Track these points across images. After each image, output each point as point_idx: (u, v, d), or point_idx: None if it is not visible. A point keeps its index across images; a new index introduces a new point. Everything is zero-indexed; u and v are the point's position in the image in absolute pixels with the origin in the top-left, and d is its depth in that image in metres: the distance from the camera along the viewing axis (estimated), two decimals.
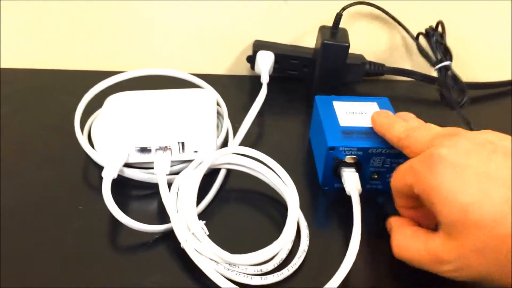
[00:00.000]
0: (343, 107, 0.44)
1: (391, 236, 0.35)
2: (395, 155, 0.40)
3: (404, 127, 0.36)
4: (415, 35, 0.55)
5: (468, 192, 0.28)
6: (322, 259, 0.36)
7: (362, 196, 0.38)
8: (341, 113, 0.43)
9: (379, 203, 0.41)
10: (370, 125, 0.41)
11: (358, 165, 0.40)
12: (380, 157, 0.40)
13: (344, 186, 0.39)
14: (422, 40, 0.55)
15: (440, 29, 0.54)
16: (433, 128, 0.34)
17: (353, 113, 0.43)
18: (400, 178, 0.34)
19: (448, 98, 0.52)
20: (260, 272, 0.33)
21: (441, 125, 0.35)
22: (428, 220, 0.35)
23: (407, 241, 0.33)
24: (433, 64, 0.53)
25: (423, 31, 0.55)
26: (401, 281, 0.35)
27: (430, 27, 0.54)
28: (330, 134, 0.40)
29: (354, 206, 0.37)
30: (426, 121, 0.38)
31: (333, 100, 0.45)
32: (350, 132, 0.40)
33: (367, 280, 0.35)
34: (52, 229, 0.37)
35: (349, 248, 0.34)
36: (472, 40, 0.58)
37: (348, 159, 0.40)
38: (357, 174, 0.39)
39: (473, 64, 0.59)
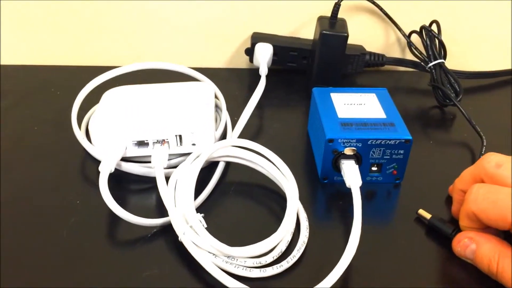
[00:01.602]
0: (341, 98, 0.43)
1: (477, 250, 0.33)
2: (395, 146, 0.39)
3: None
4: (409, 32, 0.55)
5: None
6: (322, 251, 0.35)
7: (361, 189, 0.38)
8: (339, 104, 0.42)
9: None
10: (369, 116, 0.41)
11: (357, 157, 0.39)
12: (380, 148, 0.39)
13: (344, 179, 0.39)
14: (416, 38, 0.54)
15: (434, 27, 0.53)
16: None
17: (352, 105, 0.42)
18: (500, 213, 0.31)
19: (443, 94, 0.51)
20: (259, 265, 0.33)
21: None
22: None
23: None
24: (425, 62, 0.53)
25: (417, 29, 0.54)
26: (403, 275, 0.34)
27: (424, 25, 0.54)
28: (328, 126, 0.40)
29: (354, 199, 0.36)
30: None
31: (331, 92, 0.44)
32: (348, 123, 0.40)
33: (367, 273, 0.34)
34: (49, 223, 0.37)
35: (349, 241, 0.33)
36: (464, 36, 0.58)
37: (348, 151, 0.39)
38: (357, 166, 0.39)
39: (467, 57, 0.59)
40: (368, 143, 0.39)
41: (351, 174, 0.38)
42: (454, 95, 0.50)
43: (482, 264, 0.33)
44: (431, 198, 0.40)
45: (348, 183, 0.38)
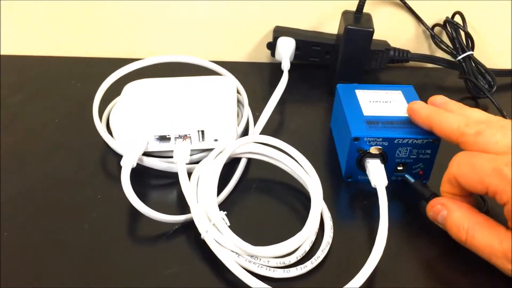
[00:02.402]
0: (367, 95, 0.42)
1: (448, 217, 0.34)
2: (423, 146, 0.38)
3: (466, 120, 0.34)
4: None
5: None
6: (346, 252, 0.35)
7: (387, 188, 0.37)
8: (364, 102, 0.41)
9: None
10: (395, 114, 0.40)
11: (383, 156, 0.39)
12: (407, 148, 0.38)
13: (369, 178, 0.38)
14: (441, 32, 0.53)
15: (459, 18, 0.52)
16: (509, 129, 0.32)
17: (377, 102, 0.41)
18: (477, 176, 0.32)
19: (476, 87, 0.50)
20: (283, 265, 0.32)
21: None
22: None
23: (482, 234, 0.32)
24: (454, 55, 0.52)
25: (441, 22, 0.53)
26: (431, 279, 0.34)
27: (447, 17, 0.52)
28: (353, 124, 0.39)
29: (380, 199, 0.35)
30: None
31: (355, 89, 0.43)
32: (374, 121, 0.39)
33: (393, 275, 0.33)
34: (70, 218, 0.36)
35: (376, 242, 0.32)
36: (487, 30, 0.56)
37: (373, 150, 0.38)
38: (382, 166, 0.38)
39: (491, 53, 0.57)
40: (395, 142, 0.38)
41: (376, 174, 0.37)
42: (488, 86, 0.49)
43: (451, 230, 0.34)
44: None
45: (373, 183, 0.37)
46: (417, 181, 0.38)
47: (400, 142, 0.38)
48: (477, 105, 0.51)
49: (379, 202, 0.35)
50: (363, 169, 0.39)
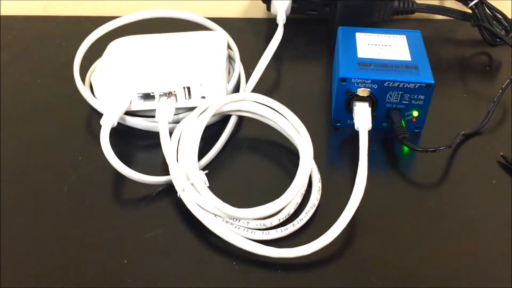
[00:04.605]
0: (366, 38, 0.40)
1: None
2: (415, 90, 0.36)
3: None
4: None
5: None
6: (334, 214, 0.32)
7: (377, 136, 0.36)
8: (362, 44, 0.39)
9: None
10: (392, 58, 0.37)
11: (373, 100, 0.37)
12: (398, 92, 0.36)
13: (354, 121, 0.36)
14: None
15: None
16: None
17: (376, 45, 0.39)
18: None
19: (492, 33, 0.46)
20: (263, 227, 0.30)
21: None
22: None
23: None
24: (465, 2, 0.48)
25: None
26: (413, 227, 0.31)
27: None
28: (344, 65, 0.37)
29: (361, 143, 0.34)
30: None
31: (356, 32, 0.41)
32: (366, 63, 0.37)
33: (375, 227, 0.32)
34: (49, 180, 0.35)
35: (355, 188, 0.31)
36: None
37: (361, 91, 0.36)
38: (369, 109, 0.36)
39: None
40: (385, 85, 0.36)
41: (361, 116, 0.35)
42: (504, 32, 0.46)
43: None
44: None
45: (356, 125, 0.35)
46: (395, 111, 0.37)
47: (390, 85, 0.36)
48: (490, 56, 0.48)
49: (359, 146, 0.34)
50: (351, 113, 0.37)
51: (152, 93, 0.37)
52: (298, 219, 0.31)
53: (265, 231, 0.30)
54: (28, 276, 0.29)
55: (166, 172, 0.35)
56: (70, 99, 0.42)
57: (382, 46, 0.39)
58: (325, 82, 0.45)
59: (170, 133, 0.35)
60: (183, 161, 0.32)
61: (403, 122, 0.37)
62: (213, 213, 0.30)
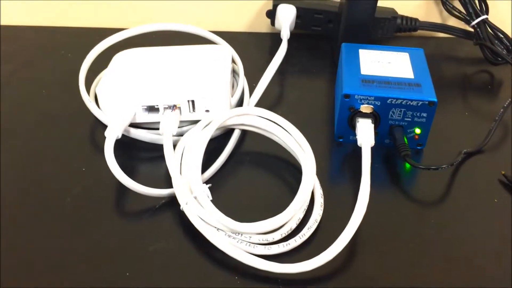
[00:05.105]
0: (370, 55, 0.40)
1: None
2: (418, 108, 0.36)
3: None
4: None
5: None
6: (336, 230, 0.32)
7: (380, 153, 0.36)
8: (365, 61, 0.40)
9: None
10: (394, 75, 0.38)
11: (376, 117, 0.37)
12: (401, 109, 0.36)
13: (356, 137, 0.36)
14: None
15: None
16: None
17: (379, 62, 0.40)
18: None
19: (494, 52, 0.47)
20: (265, 242, 0.30)
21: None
22: None
23: None
24: (467, 21, 0.49)
25: None
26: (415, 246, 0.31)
27: None
28: (347, 81, 0.37)
29: (363, 159, 0.34)
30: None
31: (360, 48, 0.41)
32: (369, 80, 0.37)
33: (378, 245, 0.32)
34: (52, 190, 0.35)
35: (357, 206, 0.31)
36: None
37: (364, 108, 0.36)
38: (372, 125, 0.36)
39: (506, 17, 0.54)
40: (388, 102, 0.36)
41: (364, 132, 0.36)
42: (506, 51, 0.46)
43: None
44: None
45: (359, 142, 0.35)
46: (397, 128, 0.37)
47: (393, 102, 0.36)
48: (490, 75, 0.48)
49: (362, 162, 0.34)
50: (354, 129, 0.37)
51: (157, 105, 0.38)
52: (300, 234, 0.31)
53: (267, 246, 0.30)
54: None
55: (169, 185, 0.35)
56: (74, 110, 0.42)
57: (385, 63, 0.39)
58: (328, 98, 0.45)
59: (174, 146, 0.36)
60: (187, 174, 0.32)
61: (405, 139, 0.37)
62: (215, 227, 0.30)
